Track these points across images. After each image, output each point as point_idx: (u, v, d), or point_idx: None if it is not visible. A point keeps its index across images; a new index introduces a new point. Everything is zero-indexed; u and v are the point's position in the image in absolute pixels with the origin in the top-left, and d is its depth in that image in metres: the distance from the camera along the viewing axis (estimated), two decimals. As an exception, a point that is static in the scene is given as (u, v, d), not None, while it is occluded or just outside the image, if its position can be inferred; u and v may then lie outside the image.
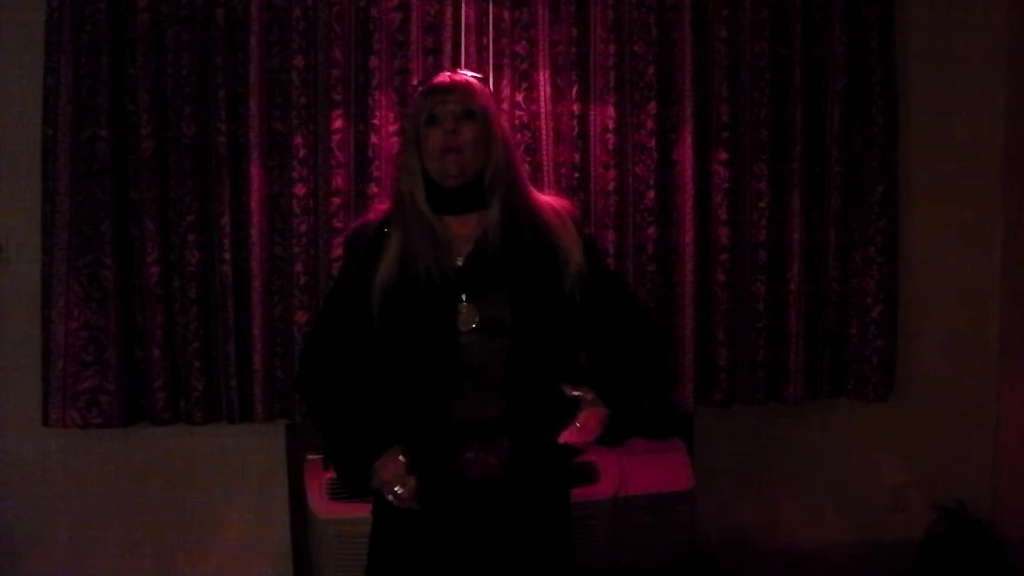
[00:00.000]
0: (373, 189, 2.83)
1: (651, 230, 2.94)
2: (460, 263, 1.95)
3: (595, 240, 2.35)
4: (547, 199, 2.07)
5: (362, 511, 2.67)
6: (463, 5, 2.84)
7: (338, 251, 2.83)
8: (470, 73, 2.05)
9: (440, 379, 1.91)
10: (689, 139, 2.94)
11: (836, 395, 3.15)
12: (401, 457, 1.91)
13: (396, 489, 1.90)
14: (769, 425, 3.20)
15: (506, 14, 2.85)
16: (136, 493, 2.97)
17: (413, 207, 1.96)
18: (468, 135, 1.94)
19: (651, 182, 2.93)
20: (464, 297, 1.92)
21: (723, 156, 2.96)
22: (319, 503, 2.76)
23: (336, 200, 2.83)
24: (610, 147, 2.91)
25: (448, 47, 2.84)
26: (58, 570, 2.96)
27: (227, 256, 2.80)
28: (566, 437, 1.90)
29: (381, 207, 2.09)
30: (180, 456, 2.97)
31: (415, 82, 2.81)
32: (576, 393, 1.91)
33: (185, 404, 2.84)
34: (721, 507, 3.18)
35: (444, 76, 2.02)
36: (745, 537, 3.24)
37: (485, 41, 2.86)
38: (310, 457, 2.89)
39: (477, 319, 1.91)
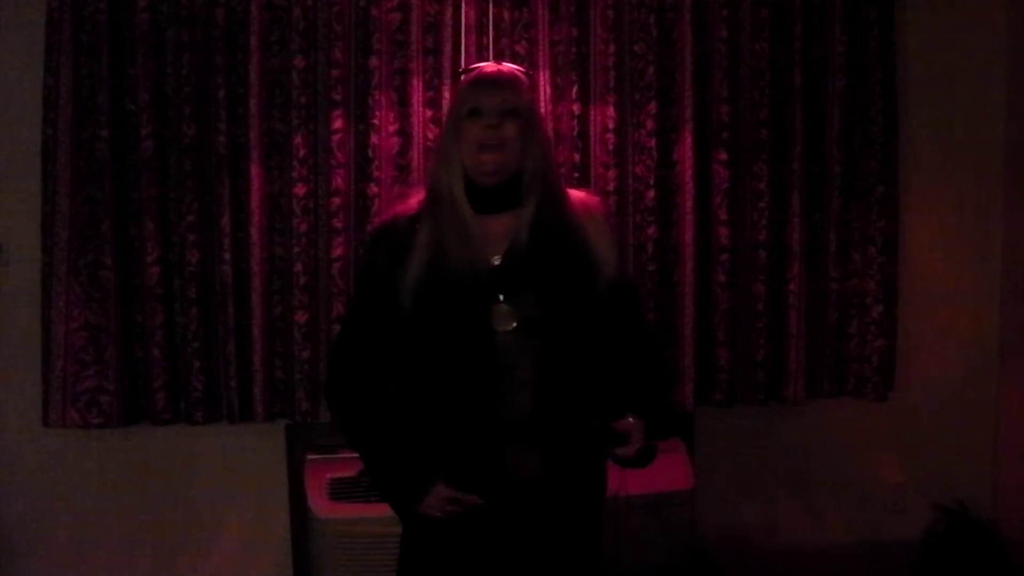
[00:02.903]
0: (373, 189, 2.83)
1: (651, 230, 2.94)
2: (497, 262, 1.91)
3: (618, 244, 2.30)
4: (578, 196, 2.02)
5: (362, 511, 2.71)
6: (463, 5, 2.84)
7: (339, 251, 2.83)
8: (516, 67, 2.00)
9: (477, 378, 1.87)
10: (689, 139, 2.94)
11: (836, 395, 3.14)
12: (442, 489, 1.90)
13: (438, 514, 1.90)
14: (769, 425, 3.20)
15: (506, 14, 2.85)
16: (136, 493, 2.97)
17: (450, 201, 1.90)
18: (510, 132, 1.88)
19: (651, 182, 2.93)
20: (502, 297, 1.88)
21: (723, 156, 2.96)
22: (319, 503, 2.76)
23: (336, 200, 2.83)
24: (610, 147, 2.91)
25: (448, 47, 2.84)
26: (58, 570, 2.96)
27: (227, 256, 2.80)
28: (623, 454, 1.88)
29: (412, 200, 2.02)
30: (180, 456, 2.97)
31: (415, 82, 2.83)
32: (630, 421, 1.88)
33: (185, 404, 2.84)
34: (721, 507, 3.18)
35: (491, 67, 1.96)
36: (745, 537, 3.24)
37: (485, 41, 2.86)
38: (310, 457, 2.89)
39: (516, 321, 1.87)
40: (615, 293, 1.95)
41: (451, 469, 1.91)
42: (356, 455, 2.04)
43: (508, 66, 1.99)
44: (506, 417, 1.88)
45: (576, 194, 2.03)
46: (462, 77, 1.99)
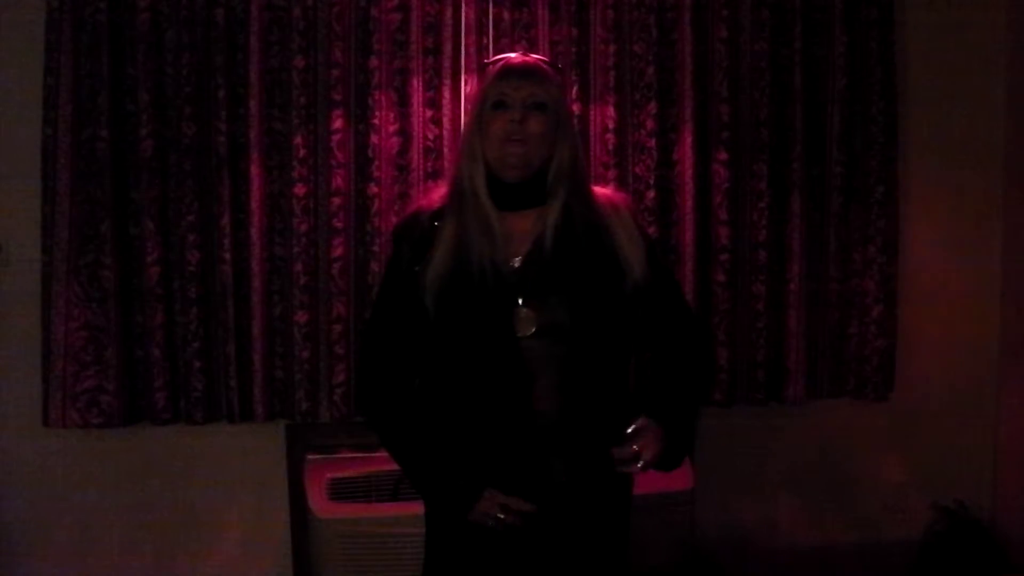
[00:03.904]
0: (373, 189, 2.83)
1: (651, 230, 2.93)
2: (517, 264, 1.85)
3: (654, 240, 2.21)
4: (605, 195, 1.95)
5: (362, 511, 2.71)
6: (463, 5, 2.84)
7: (339, 251, 2.83)
8: (544, 59, 1.94)
9: (502, 384, 1.82)
10: (689, 139, 2.94)
11: (836, 395, 3.15)
12: (494, 495, 1.83)
13: (500, 516, 1.83)
14: (769, 425, 3.20)
15: (506, 14, 2.85)
16: (136, 493, 2.97)
17: (472, 195, 1.85)
18: (535, 127, 1.82)
19: (651, 182, 2.93)
20: (521, 301, 1.82)
21: (723, 156, 2.96)
22: (319, 503, 2.75)
23: (336, 200, 2.83)
24: (610, 147, 2.91)
25: (448, 47, 2.84)
26: (58, 570, 2.95)
27: (227, 256, 2.80)
28: (626, 465, 1.82)
29: (435, 194, 1.96)
30: (180, 456, 2.97)
31: (415, 82, 2.83)
32: (634, 427, 1.81)
33: (185, 404, 2.84)
34: (721, 507, 3.18)
35: (518, 57, 1.91)
36: (745, 537, 3.24)
37: (485, 41, 2.86)
38: (310, 457, 2.89)
39: (535, 326, 1.82)
40: (645, 292, 1.88)
41: (498, 477, 1.85)
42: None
43: (535, 57, 1.94)
44: (532, 423, 1.83)
45: (603, 191, 1.97)
46: (488, 68, 1.92)
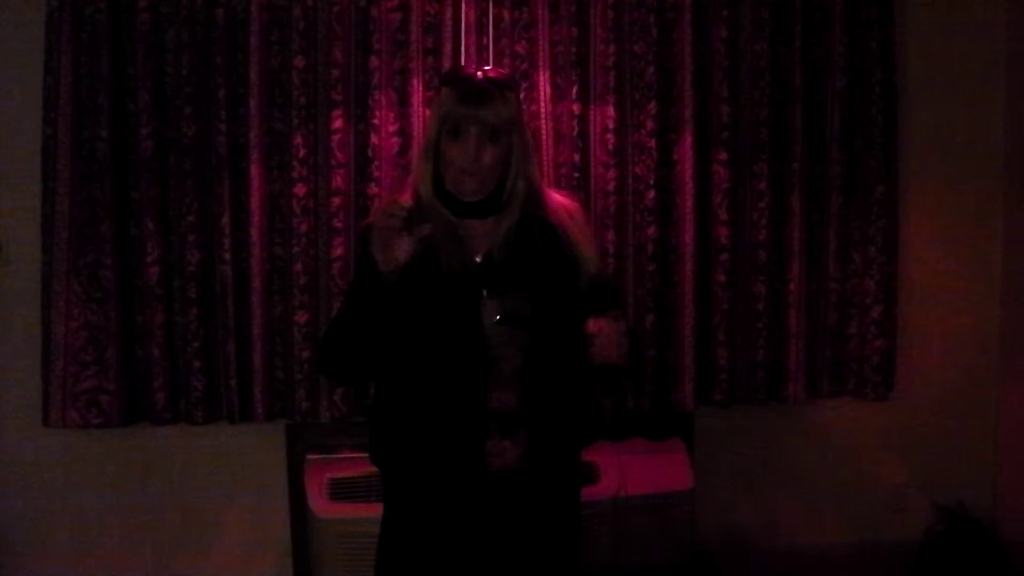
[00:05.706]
0: (373, 189, 2.83)
1: (651, 230, 2.94)
2: (479, 259, 1.95)
3: (597, 244, 2.26)
4: (560, 201, 2.04)
5: (362, 511, 2.71)
6: (463, 5, 2.84)
7: (339, 251, 2.83)
8: (498, 71, 1.97)
9: (464, 370, 1.90)
10: (689, 139, 2.94)
11: (836, 395, 3.14)
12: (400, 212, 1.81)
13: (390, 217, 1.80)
14: (769, 425, 3.20)
15: (506, 14, 2.85)
16: (136, 493, 2.97)
17: (432, 208, 1.94)
18: (490, 158, 1.89)
19: (651, 182, 2.93)
20: (485, 292, 1.91)
21: (723, 156, 2.96)
22: (319, 503, 2.76)
23: (336, 200, 2.83)
24: (610, 147, 2.91)
25: (448, 47, 2.84)
26: (58, 570, 2.96)
27: (227, 256, 2.80)
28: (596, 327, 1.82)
29: (403, 197, 1.99)
30: (180, 456, 2.97)
31: (415, 82, 2.83)
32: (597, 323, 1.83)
33: (185, 404, 2.84)
34: (721, 507, 3.18)
35: (472, 78, 1.91)
36: (745, 537, 3.24)
37: (485, 41, 2.86)
38: (310, 457, 2.89)
39: (499, 313, 1.91)
40: (594, 290, 1.98)
41: (433, 458, 1.93)
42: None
43: (492, 73, 1.94)
44: (492, 409, 1.91)
45: (557, 197, 2.05)
46: (445, 83, 1.96)
